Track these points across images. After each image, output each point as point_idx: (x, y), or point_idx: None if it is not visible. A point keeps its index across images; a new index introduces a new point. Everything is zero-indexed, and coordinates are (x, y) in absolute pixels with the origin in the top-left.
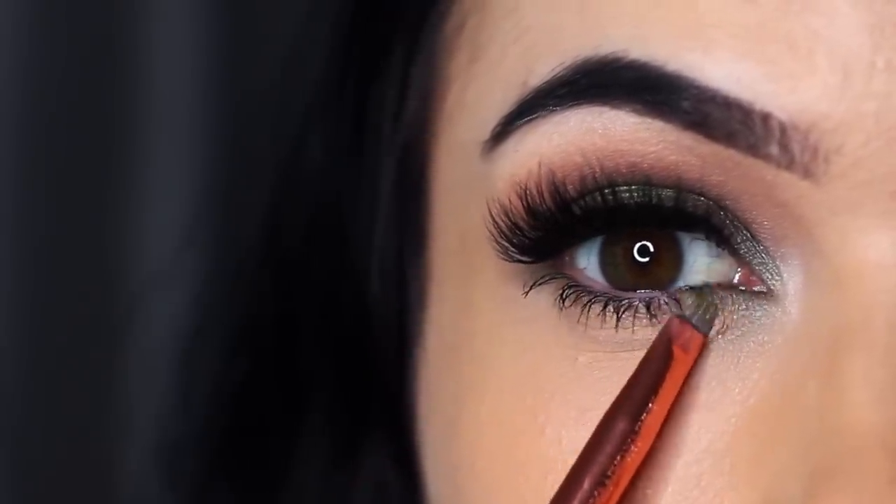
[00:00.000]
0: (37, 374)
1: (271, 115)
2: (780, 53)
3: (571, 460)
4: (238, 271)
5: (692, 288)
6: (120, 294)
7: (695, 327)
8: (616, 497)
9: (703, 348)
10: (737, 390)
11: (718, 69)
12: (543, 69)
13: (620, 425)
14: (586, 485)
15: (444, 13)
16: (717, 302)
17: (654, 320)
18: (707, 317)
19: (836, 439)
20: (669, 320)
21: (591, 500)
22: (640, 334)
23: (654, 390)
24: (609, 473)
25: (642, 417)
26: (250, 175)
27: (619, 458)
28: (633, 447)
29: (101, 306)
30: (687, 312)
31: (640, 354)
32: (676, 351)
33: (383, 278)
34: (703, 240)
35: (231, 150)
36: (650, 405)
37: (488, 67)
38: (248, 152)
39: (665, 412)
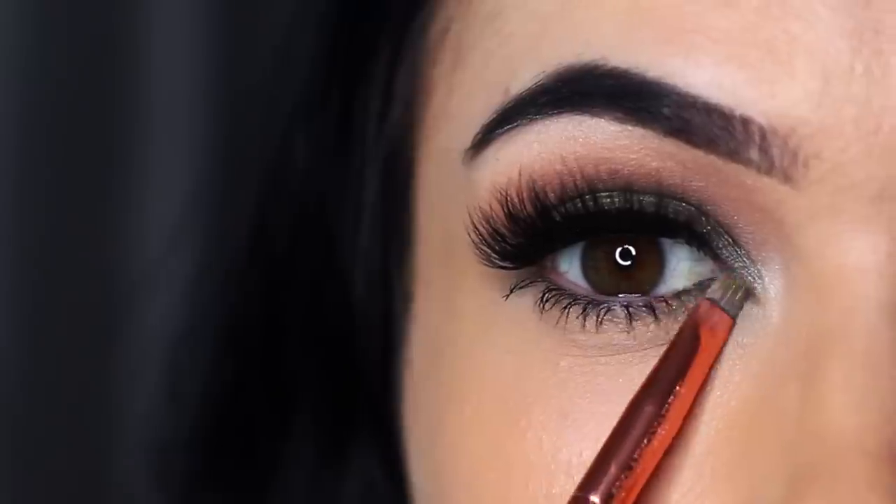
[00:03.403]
0: (36, 375)
1: (263, 115)
2: (760, 59)
3: (553, 464)
4: (226, 272)
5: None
6: (116, 295)
7: (723, 310)
8: (642, 481)
9: (731, 331)
10: (718, 393)
11: (699, 75)
12: (525, 76)
13: (648, 409)
14: (613, 468)
15: (429, 18)
16: (745, 284)
17: (631, 325)
18: (736, 298)
19: (816, 443)
20: (699, 303)
21: (617, 483)
22: (617, 339)
23: (681, 374)
24: (636, 457)
25: (669, 401)
26: (242, 176)
27: (645, 441)
28: (659, 430)
29: (97, 307)
30: (715, 295)
31: (619, 358)
32: (704, 334)
33: (368, 280)
34: (684, 244)
35: (226, 151)
36: (678, 388)
37: (471, 74)
38: (241, 153)
39: (693, 396)
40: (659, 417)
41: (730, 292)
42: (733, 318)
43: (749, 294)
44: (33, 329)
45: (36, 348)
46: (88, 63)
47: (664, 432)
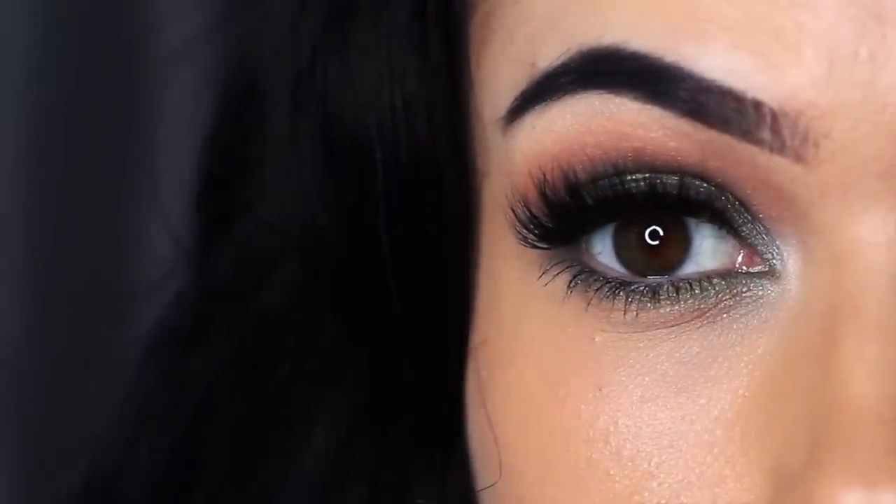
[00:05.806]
0: (48, 375)
1: (269, 117)
2: (769, 45)
3: (591, 431)
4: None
5: None
6: (128, 294)
7: None
8: None
9: None
10: (742, 364)
11: (713, 61)
12: (549, 54)
13: None
14: None
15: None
16: None
17: (657, 304)
18: None
19: (834, 413)
20: None
21: None
22: (644, 317)
23: None
24: None
25: None
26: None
27: None
28: None
29: (108, 306)
30: None
31: (648, 335)
32: None
33: (429, 258)
34: (707, 223)
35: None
36: None
37: (497, 49)
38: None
39: None
40: None
41: None
42: None
43: None
44: (45, 329)
45: (47, 348)
46: (97, 64)
47: None
